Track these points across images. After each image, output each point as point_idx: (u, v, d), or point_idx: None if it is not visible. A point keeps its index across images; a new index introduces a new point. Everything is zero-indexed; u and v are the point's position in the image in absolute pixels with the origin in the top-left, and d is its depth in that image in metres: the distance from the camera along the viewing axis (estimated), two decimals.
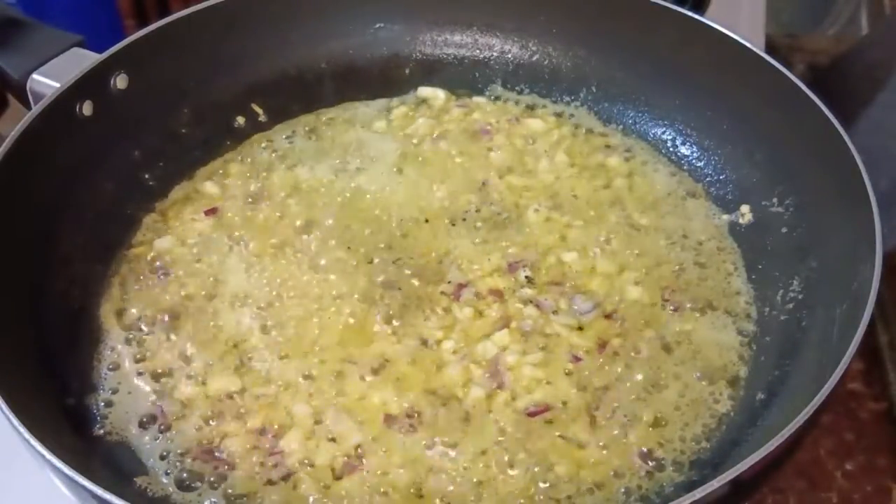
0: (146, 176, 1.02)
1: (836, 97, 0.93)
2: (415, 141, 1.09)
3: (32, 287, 0.87)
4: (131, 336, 0.90)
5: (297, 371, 0.86)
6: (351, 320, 0.90)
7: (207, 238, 0.98)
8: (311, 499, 0.78)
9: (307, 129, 1.11)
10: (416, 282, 0.93)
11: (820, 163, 0.92)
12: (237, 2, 1.06)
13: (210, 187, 1.04)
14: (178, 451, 0.81)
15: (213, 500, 0.78)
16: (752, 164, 1.01)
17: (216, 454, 0.81)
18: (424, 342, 0.88)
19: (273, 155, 1.08)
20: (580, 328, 0.90)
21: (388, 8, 1.14)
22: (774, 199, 0.97)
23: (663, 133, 1.09)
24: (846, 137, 0.88)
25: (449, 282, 0.93)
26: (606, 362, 0.87)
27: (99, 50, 0.97)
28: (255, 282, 0.94)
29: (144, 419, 0.84)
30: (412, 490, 0.79)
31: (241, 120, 1.10)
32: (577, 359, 0.87)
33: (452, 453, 0.81)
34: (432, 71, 1.16)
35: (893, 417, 0.98)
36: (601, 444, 0.82)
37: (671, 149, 1.08)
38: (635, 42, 1.09)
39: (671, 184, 1.04)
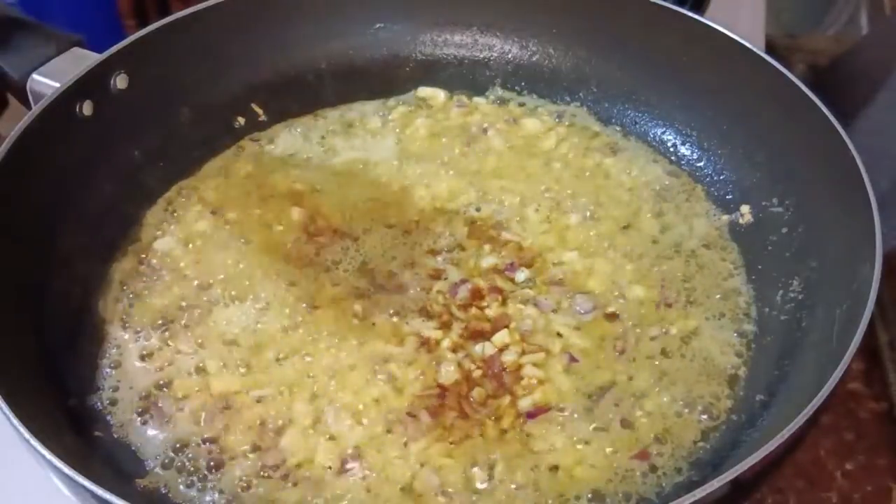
0: (146, 176, 1.02)
1: (836, 97, 0.93)
2: (414, 141, 1.09)
3: (32, 287, 0.87)
4: (132, 336, 0.90)
5: (296, 370, 0.86)
6: (351, 319, 0.90)
7: (207, 238, 0.98)
8: (310, 497, 0.78)
9: (307, 129, 1.11)
10: (415, 281, 0.94)
11: (820, 163, 0.92)
12: (237, 2, 1.06)
13: (210, 187, 1.04)
14: (179, 451, 0.82)
15: (213, 498, 0.79)
16: (752, 164, 1.01)
17: (217, 453, 0.81)
18: (424, 342, 0.88)
19: (273, 155, 1.08)
20: (580, 328, 0.90)
21: (388, 8, 1.14)
22: (774, 199, 0.97)
23: (663, 133, 1.09)
24: (846, 137, 0.88)
25: (446, 279, 0.94)
26: (606, 362, 0.87)
27: (99, 50, 0.97)
28: (254, 282, 0.94)
29: (145, 419, 0.84)
30: (411, 489, 0.79)
31: (241, 120, 1.10)
32: (575, 359, 0.87)
33: (451, 453, 0.81)
34: (432, 71, 1.15)
35: (893, 417, 0.98)
36: (601, 444, 0.82)
37: (671, 149, 1.08)
38: (635, 42, 1.09)
39: (671, 184, 1.04)
